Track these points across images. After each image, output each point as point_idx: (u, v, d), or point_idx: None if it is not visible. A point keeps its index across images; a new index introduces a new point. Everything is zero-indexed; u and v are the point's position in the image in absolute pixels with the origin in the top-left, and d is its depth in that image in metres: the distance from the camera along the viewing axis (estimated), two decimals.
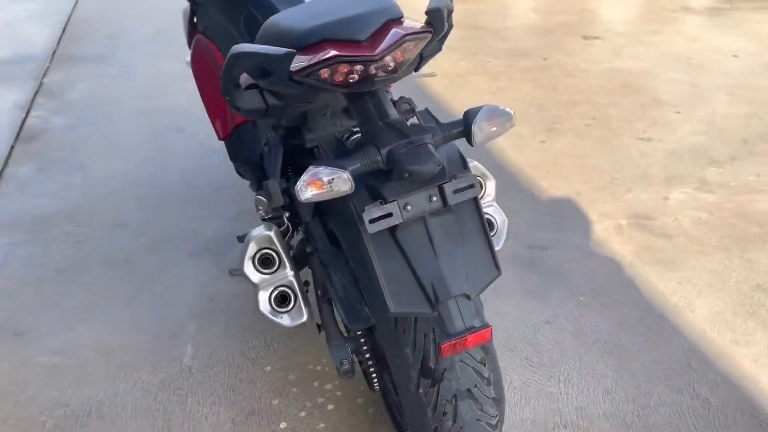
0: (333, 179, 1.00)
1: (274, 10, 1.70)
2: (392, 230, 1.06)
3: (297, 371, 1.82)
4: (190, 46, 2.16)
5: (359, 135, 1.66)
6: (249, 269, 1.45)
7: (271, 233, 1.45)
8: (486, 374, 1.26)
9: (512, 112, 1.08)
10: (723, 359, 1.87)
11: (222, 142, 2.03)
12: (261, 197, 1.49)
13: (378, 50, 1.05)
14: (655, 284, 2.16)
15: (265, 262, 1.46)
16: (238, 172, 2.10)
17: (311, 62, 1.05)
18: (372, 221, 1.03)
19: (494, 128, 1.07)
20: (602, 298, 2.10)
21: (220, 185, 2.69)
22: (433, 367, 1.21)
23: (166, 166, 2.85)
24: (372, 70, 1.07)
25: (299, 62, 1.07)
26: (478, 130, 1.06)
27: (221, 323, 1.99)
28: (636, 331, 1.96)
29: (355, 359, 1.50)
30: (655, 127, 3.18)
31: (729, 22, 4.70)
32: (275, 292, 1.46)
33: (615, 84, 3.66)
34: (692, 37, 4.39)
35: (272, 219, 1.54)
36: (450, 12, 1.15)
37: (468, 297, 1.09)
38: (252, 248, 1.44)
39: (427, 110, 1.22)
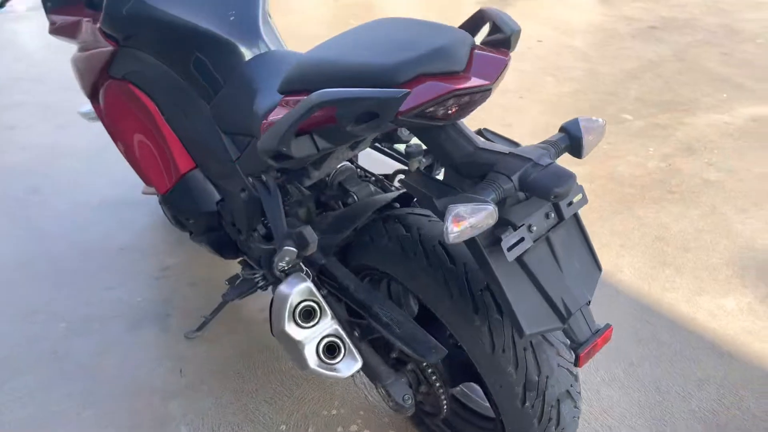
0: (480, 215, 0.97)
1: (232, 55, 1.58)
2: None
3: (314, 422, 1.71)
4: (91, 95, 1.89)
5: (343, 170, 1.61)
6: (291, 328, 1.34)
7: (309, 283, 1.35)
8: (574, 371, 1.32)
9: (604, 122, 1.14)
10: (664, 307, 2.14)
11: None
12: (290, 248, 1.37)
13: (492, 79, 1.04)
14: None
15: (305, 315, 1.36)
16: (179, 224, 1.90)
17: (426, 99, 1.00)
18: (510, 248, 1.03)
19: (591, 137, 1.11)
20: None
21: (119, 244, 2.39)
22: (536, 378, 1.24)
23: (40, 235, 2.45)
24: (474, 100, 1.05)
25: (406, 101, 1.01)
26: (587, 142, 1.09)
27: (206, 394, 1.79)
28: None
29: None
30: (510, 113, 3.48)
31: (522, 12, 5.26)
32: (321, 344, 1.37)
33: None
34: None
35: (291, 269, 1.44)
36: None
37: (588, 302, 1.14)
38: (292, 303, 1.33)
39: (487, 129, 1.23)
